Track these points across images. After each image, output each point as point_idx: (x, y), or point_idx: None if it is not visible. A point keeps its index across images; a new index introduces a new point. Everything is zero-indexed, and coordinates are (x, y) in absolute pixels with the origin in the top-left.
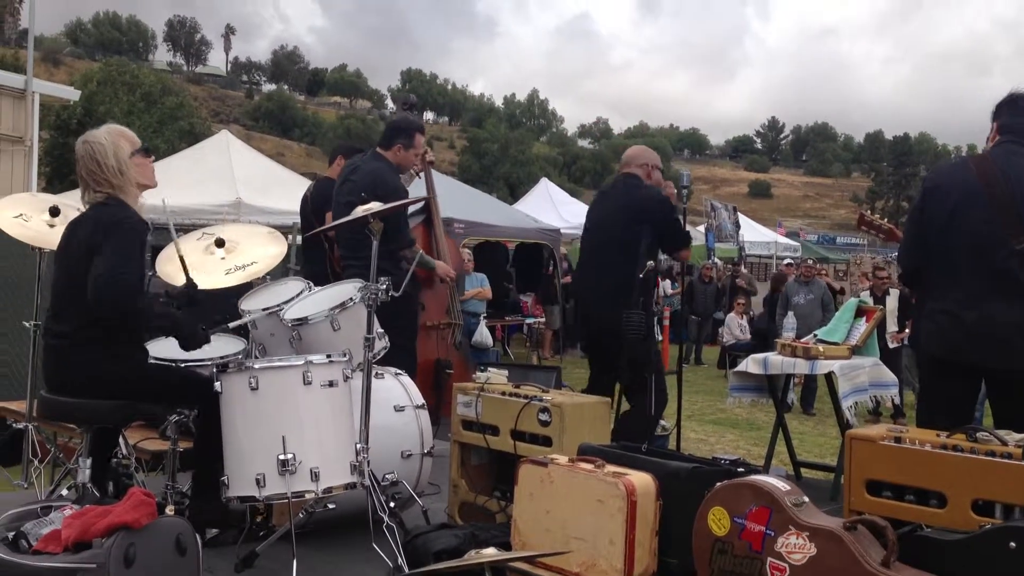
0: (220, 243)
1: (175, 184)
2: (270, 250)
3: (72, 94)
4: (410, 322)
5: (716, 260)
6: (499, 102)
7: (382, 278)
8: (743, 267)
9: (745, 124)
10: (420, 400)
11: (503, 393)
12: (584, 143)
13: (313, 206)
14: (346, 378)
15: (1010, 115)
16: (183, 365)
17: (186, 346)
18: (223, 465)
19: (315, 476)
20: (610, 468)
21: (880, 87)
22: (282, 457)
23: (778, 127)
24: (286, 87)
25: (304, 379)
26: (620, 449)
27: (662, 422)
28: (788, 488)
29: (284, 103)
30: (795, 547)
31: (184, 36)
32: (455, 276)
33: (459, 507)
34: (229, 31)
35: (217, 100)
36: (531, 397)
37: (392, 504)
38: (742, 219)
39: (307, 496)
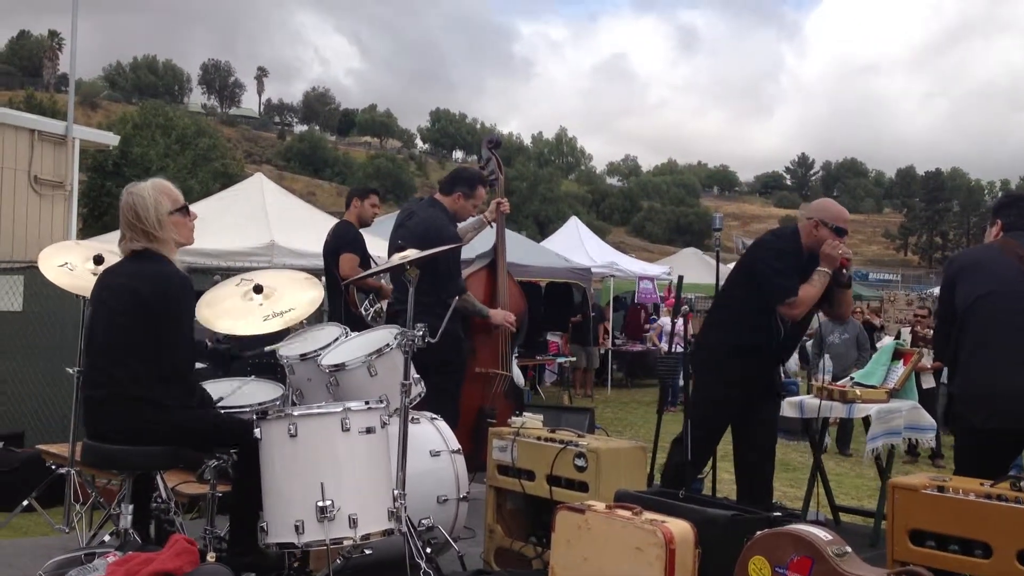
0: (259, 289)
1: (210, 227)
2: (307, 296)
3: (111, 139)
4: (458, 367)
5: None
6: (528, 140)
7: (419, 324)
8: None
9: (775, 161)
10: (455, 445)
11: (538, 438)
12: (612, 180)
13: (327, 249)
14: (383, 424)
15: (1017, 215)
16: (223, 411)
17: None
18: (261, 510)
19: (353, 522)
20: (648, 515)
21: (915, 123)
22: (321, 504)
23: (808, 163)
24: (317, 128)
25: (343, 426)
26: (657, 495)
27: None
28: (830, 537)
29: (315, 143)
30: None
31: (219, 79)
32: (514, 323)
33: (495, 553)
34: (262, 73)
35: (250, 141)
36: (567, 442)
37: (428, 550)
38: None
39: (345, 543)
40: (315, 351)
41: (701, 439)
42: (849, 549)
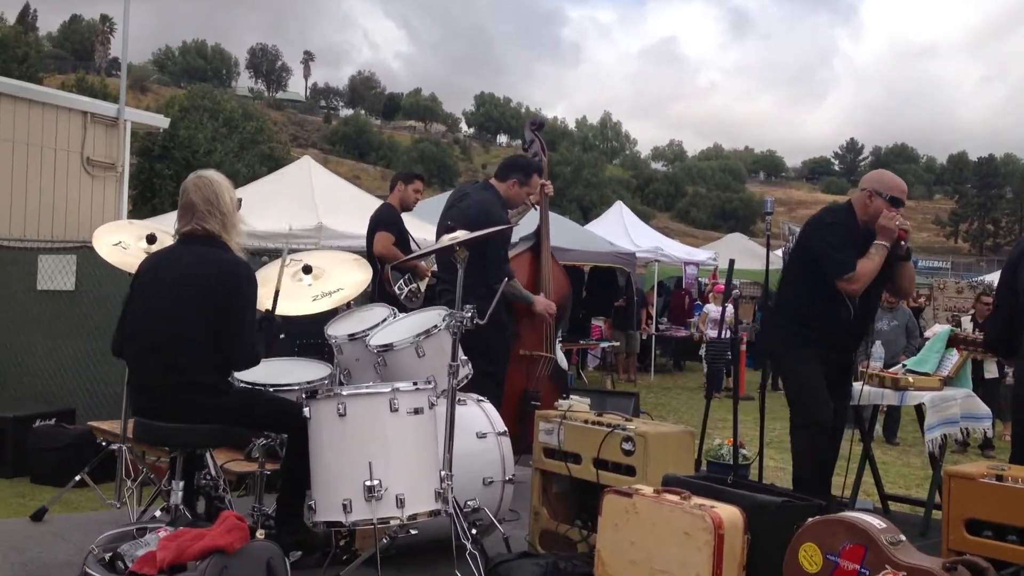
0: (308, 269)
1: (258, 209)
2: (356, 276)
3: (162, 122)
4: (502, 351)
5: None
6: (572, 125)
7: (467, 306)
8: None
9: (824, 147)
10: (502, 427)
11: (585, 421)
12: (657, 165)
13: (369, 230)
14: (431, 405)
15: None
16: (272, 390)
17: None
18: (309, 489)
19: (400, 502)
20: (696, 500)
21: (969, 108)
22: (368, 483)
23: (857, 148)
24: (363, 112)
25: (391, 406)
26: (706, 480)
27: (743, 451)
28: (884, 525)
29: (360, 127)
30: None
31: (266, 63)
32: (555, 313)
33: (540, 535)
34: (308, 58)
35: (296, 125)
36: (614, 426)
37: (474, 531)
38: None
39: (392, 522)
40: (363, 331)
41: (814, 440)
42: (903, 537)
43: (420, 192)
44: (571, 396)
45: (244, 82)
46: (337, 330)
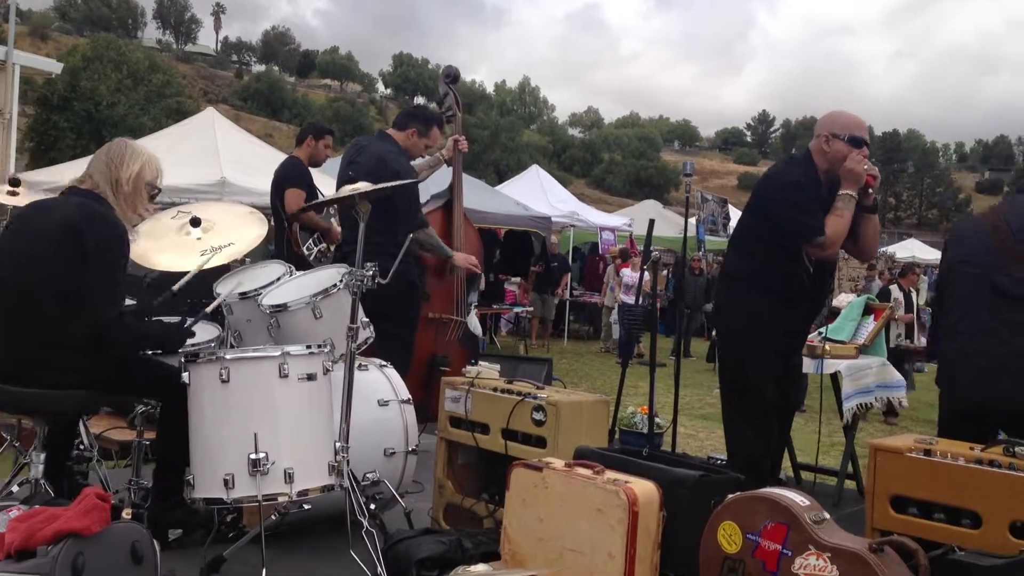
0: (196, 222)
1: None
2: (250, 231)
3: (54, 67)
4: (410, 313)
5: (706, 252)
6: (491, 89)
7: (368, 264)
8: None
9: (737, 118)
10: (406, 394)
11: (494, 389)
12: (575, 132)
13: (273, 185)
14: (326, 371)
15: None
16: (149, 352)
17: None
18: (189, 462)
19: (289, 477)
20: (610, 474)
21: (880, 85)
22: (253, 456)
23: (768, 120)
24: (276, 68)
25: (280, 371)
26: (620, 453)
27: (657, 419)
28: (807, 503)
29: (273, 84)
30: (815, 569)
31: (174, 14)
32: (478, 266)
33: (444, 509)
34: (219, 10)
35: (206, 79)
36: (525, 394)
37: (373, 506)
38: (732, 211)
39: (280, 499)
40: (255, 290)
41: (756, 415)
42: (827, 516)
43: (331, 148)
44: (481, 362)
45: (151, 33)
46: (227, 288)
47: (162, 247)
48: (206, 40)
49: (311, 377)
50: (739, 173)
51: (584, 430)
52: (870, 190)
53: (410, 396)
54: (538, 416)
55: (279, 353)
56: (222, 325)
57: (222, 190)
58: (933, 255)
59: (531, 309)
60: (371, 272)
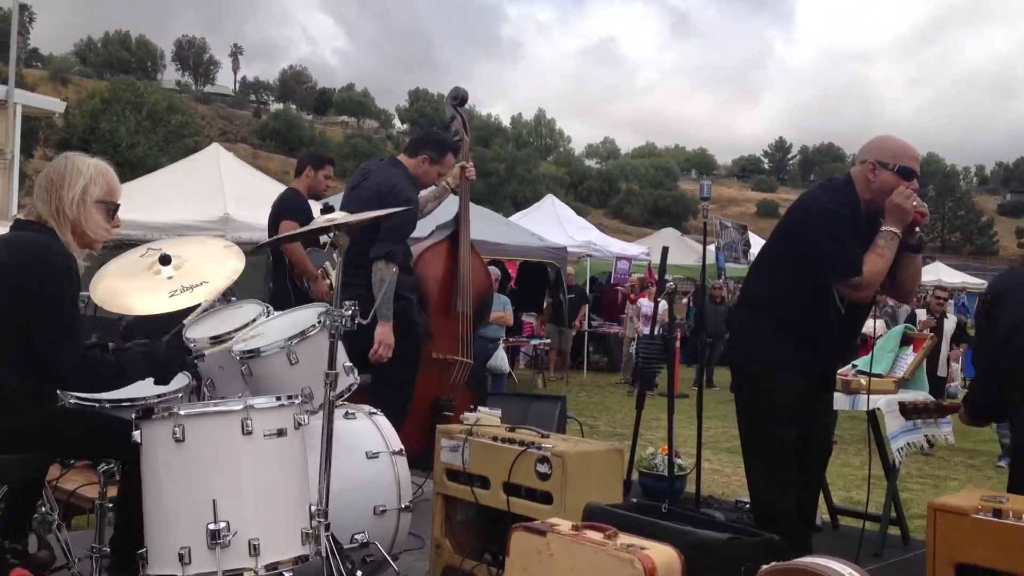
0: (165, 260)
1: (162, 199)
2: (225, 267)
3: (57, 106)
4: (409, 352)
5: (726, 280)
6: (506, 122)
7: (347, 302)
8: None
9: (754, 145)
10: (397, 444)
11: (495, 438)
12: (591, 162)
13: (271, 218)
14: (298, 425)
15: None
16: (108, 405)
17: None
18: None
19: (254, 549)
20: (624, 538)
21: (897, 110)
22: (212, 527)
23: (785, 147)
24: (293, 106)
25: (243, 428)
26: (635, 511)
27: (677, 460)
28: None
29: (291, 122)
30: None
31: (193, 56)
32: (390, 349)
33: (442, 572)
34: (237, 51)
35: (224, 119)
36: (528, 444)
37: (359, 573)
38: (752, 238)
39: (244, 575)
40: (227, 333)
41: (773, 459)
42: None
43: (331, 179)
44: (480, 407)
45: (171, 75)
46: (197, 332)
47: (131, 288)
48: (225, 80)
49: (280, 433)
50: (758, 200)
51: (594, 483)
52: (916, 228)
53: (402, 447)
54: (543, 469)
55: (241, 407)
56: (193, 374)
57: (225, 226)
58: (958, 278)
59: (548, 341)
60: (350, 312)
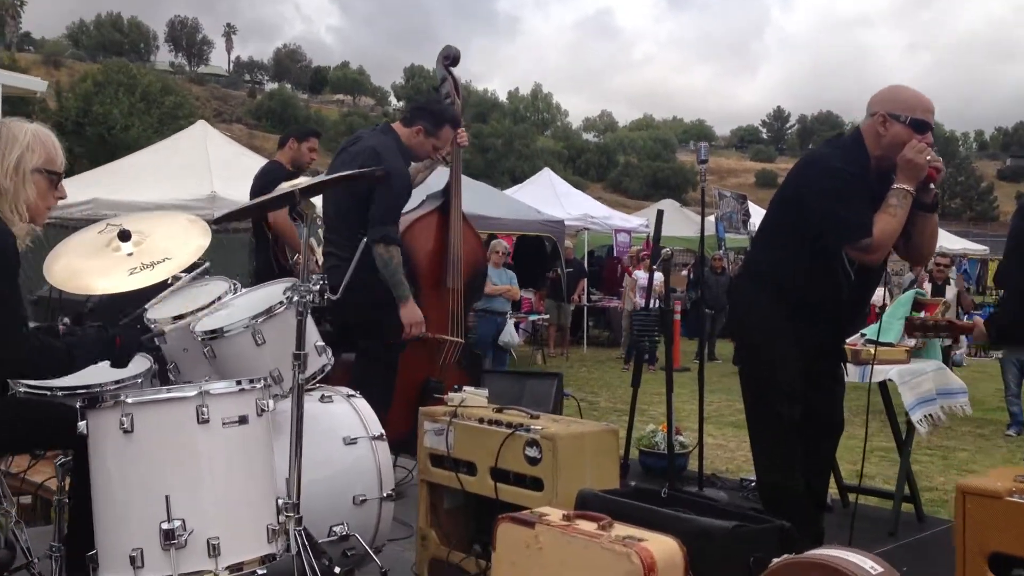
0: (124, 236)
1: (148, 178)
2: (189, 243)
3: (38, 85)
4: (387, 329)
5: (726, 251)
6: (503, 97)
7: (315, 276)
8: None
9: (753, 116)
10: (378, 428)
11: (481, 420)
12: (589, 136)
13: (252, 193)
14: (261, 411)
15: None
16: (60, 393)
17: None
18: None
19: (214, 549)
20: (619, 529)
21: (896, 76)
22: (166, 526)
23: (783, 117)
24: (288, 86)
25: (199, 416)
26: (632, 498)
27: (679, 437)
28: (879, 570)
29: (286, 101)
30: None
31: (186, 37)
32: (421, 331)
33: (429, 565)
34: (230, 30)
35: (219, 100)
36: (515, 426)
37: (338, 569)
38: (752, 208)
39: None
40: (191, 312)
41: (776, 436)
42: None
43: (316, 151)
44: (464, 387)
45: (164, 56)
46: (160, 312)
47: (88, 267)
48: (218, 61)
49: (242, 420)
50: (756, 171)
51: (588, 467)
52: (932, 185)
53: (383, 431)
54: (532, 452)
55: (195, 393)
56: (154, 357)
57: (212, 204)
58: (959, 244)
59: (547, 317)
60: (318, 286)
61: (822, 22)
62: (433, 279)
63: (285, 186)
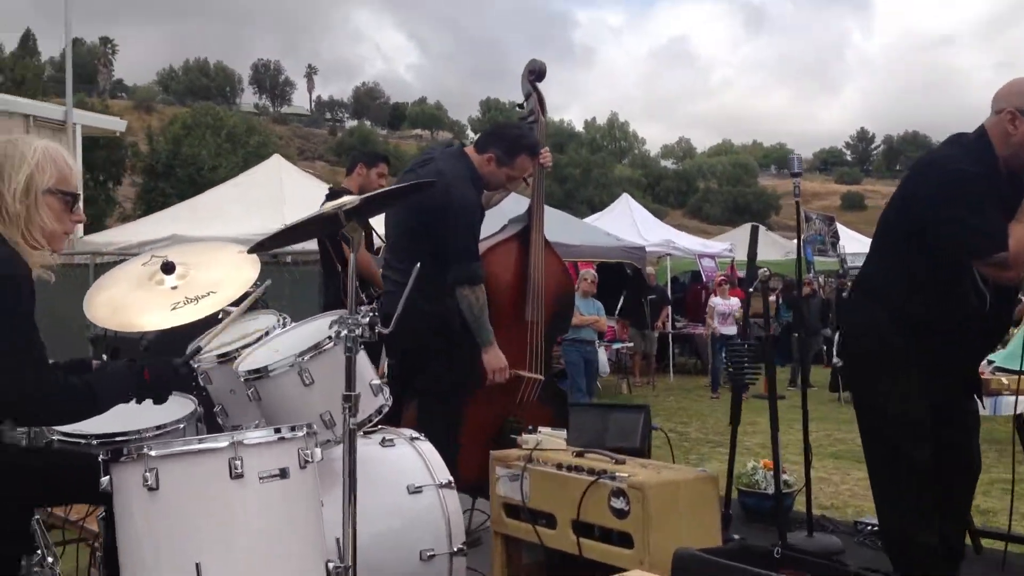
0: (168, 268)
1: (224, 213)
2: (237, 274)
3: (118, 125)
4: (453, 364)
5: (816, 274)
6: (580, 127)
7: (363, 308)
8: (848, 280)
9: (835, 138)
10: (445, 476)
11: (559, 466)
12: (667, 163)
13: None
14: (305, 463)
15: None
16: (93, 441)
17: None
18: None
19: None
20: None
21: (983, 95)
22: None
23: (868, 138)
24: (368, 122)
25: (231, 470)
26: (740, 559)
27: (784, 477)
28: None
29: (366, 137)
30: None
31: (269, 79)
32: (505, 377)
33: None
34: (311, 71)
35: (301, 138)
36: (598, 472)
37: None
38: (841, 230)
39: None
40: (236, 350)
41: (901, 480)
42: None
43: (386, 178)
44: (540, 428)
45: (248, 98)
46: (206, 349)
47: (129, 302)
48: (300, 101)
49: (282, 474)
50: (842, 193)
51: (684, 520)
52: None
53: (451, 478)
54: (618, 503)
55: (226, 444)
56: (199, 399)
57: None
58: None
59: (631, 345)
60: (367, 319)
61: (903, 42)
62: (511, 311)
63: (329, 206)
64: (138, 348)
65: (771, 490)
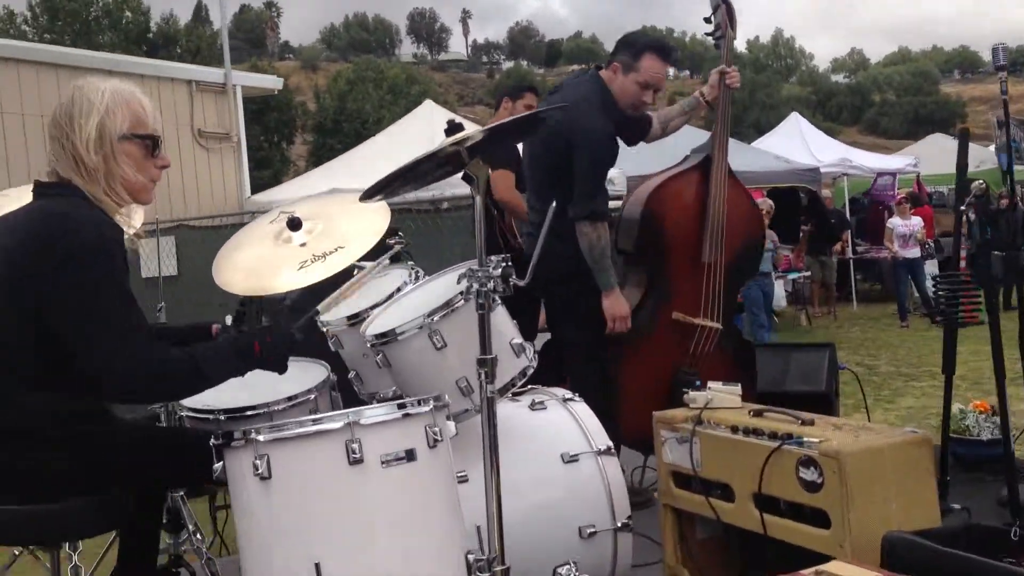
0: (295, 224)
1: (379, 164)
2: (365, 226)
3: (275, 83)
4: (596, 317)
5: (1012, 184)
6: (743, 48)
7: (492, 258)
8: None
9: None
10: (604, 441)
11: (735, 428)
12: (838, 78)
13: None
14: (435, 441)
15: None
16: (222, 417)
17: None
18: None
19: None
20: None
21: None
22: None
23: None
24: (524, 62)
25: (348, 455)
26: (967, 545)
27: (995, 419)
28: None
29: (522, 77)
30: None
31: (425, 27)
32: (627, 324)
33: None
34: (466, 15)
35: (460, 84)
36: (782, 437)
37: None
38: None
39: None
40: (366, 310)
41: None
42: None
43: (534, 108)
44: (710, 383)
45: (407, 48)
46: (334, 312)
47: (256, 264)
48: (457, 47)
49: (409, 456)
50: None
51: (893, 493)
52: None
53: (611, 444)
54: (808, 475)
55: (341, 425)
56: (331, 365)
57: (443, 184)
58: None
59: (808, 274)
60: (499, 270)
61: None
62: (684, 251)
63: (447, 142)
64: (279, 307)
65: (985, 436)
